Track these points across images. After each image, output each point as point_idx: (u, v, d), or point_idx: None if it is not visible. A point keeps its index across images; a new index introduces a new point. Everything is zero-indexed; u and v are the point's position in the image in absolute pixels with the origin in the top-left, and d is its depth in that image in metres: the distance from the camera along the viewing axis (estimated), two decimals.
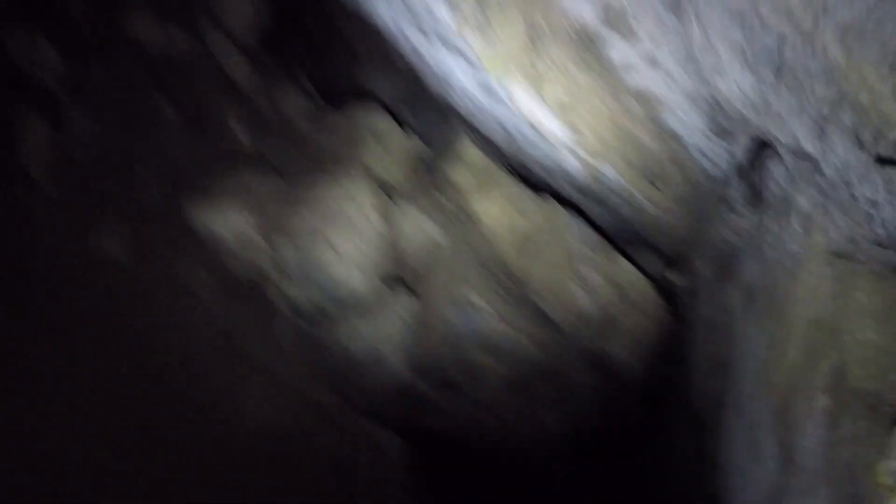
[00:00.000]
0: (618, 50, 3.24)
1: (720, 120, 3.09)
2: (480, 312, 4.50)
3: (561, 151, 4.22)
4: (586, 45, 3.37)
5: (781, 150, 2.25)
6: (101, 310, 3.61)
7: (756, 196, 2.52)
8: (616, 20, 3.08)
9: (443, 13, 3.81)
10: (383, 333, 4.37)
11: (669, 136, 3.60)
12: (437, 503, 4.07)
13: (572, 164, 4.30)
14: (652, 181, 3.99)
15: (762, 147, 2.46)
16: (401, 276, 4.57)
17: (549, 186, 4.74)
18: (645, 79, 3.30)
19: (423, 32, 4.26)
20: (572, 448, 4.41)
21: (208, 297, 3.92)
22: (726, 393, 2.91)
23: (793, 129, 2.06)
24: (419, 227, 4.72)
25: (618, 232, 4.47)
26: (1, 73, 3.92)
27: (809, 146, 2.02)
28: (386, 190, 4.71)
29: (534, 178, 4.79)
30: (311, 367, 4.14)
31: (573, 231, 4.61)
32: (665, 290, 4.19)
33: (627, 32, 3.09)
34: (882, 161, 1.73)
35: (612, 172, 4.09)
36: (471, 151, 4.89)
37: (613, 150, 3.94)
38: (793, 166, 2.21)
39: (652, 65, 3.18)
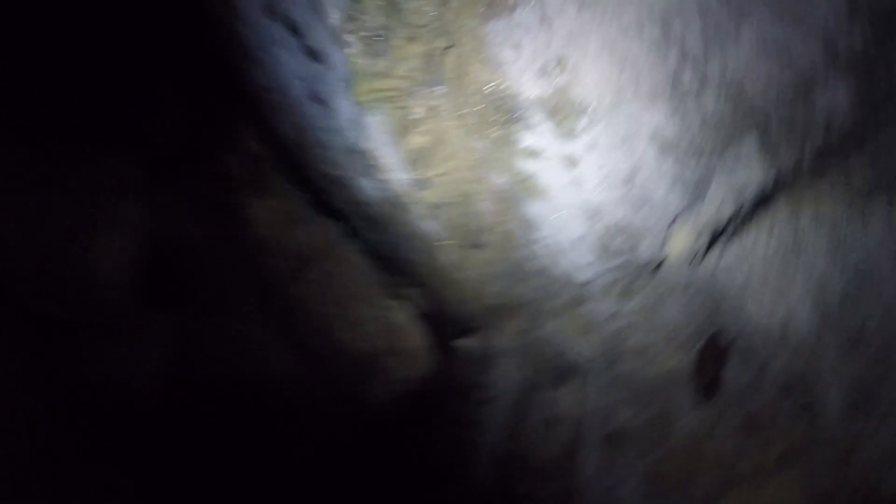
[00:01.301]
0: (536, 135, 2.85)
1: (616, 245, 2.98)
2: (243, 341, 3.77)
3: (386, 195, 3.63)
4: (496, 113, 2.89)
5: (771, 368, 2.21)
6: None
7: (700, 379, 2.45)
8: (563, 113, 2.67)
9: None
10: (138, 356, 3.33)
11: (522, 219, 3.36)
12: None
13: (389, 206, 3.74)
14: (472, 246, 3.71)
15: (718, 338, 2.39)
16: (164, 287, 3.50)
17: (337, 211, 4.07)
18: (544, 170, 2.98)
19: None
20: (322, 485, 4.02)
21: None
22: None
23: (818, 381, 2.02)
24: (187, 227, 3.67)
25: (409, 283, 4.08)
26: None
27: (830, 399, 2.00)
28: (154, 172, 3.51)
29: (323, 199, 4.05)
30: (52, 396, 2.97)
31: (358, 267, 4.08)
32: (447, 348, 4.00)
33: (566, 130, 2.72)
34: None
35: (433, 228, 3.68)
36: (252, 144, 3.92)
37: (447, 210, 3.54)
38: (780, 387, 2.19)
39: (567, 165, 2.88)
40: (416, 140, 3.23)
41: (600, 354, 3.12)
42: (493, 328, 3.86)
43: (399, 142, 3.25)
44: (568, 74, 2.54)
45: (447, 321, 4.15)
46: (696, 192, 2.39)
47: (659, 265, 2.73)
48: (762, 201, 2.18)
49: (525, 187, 3.15)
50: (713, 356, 2.39)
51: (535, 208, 3.24)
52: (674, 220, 2.53)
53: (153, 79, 3.63)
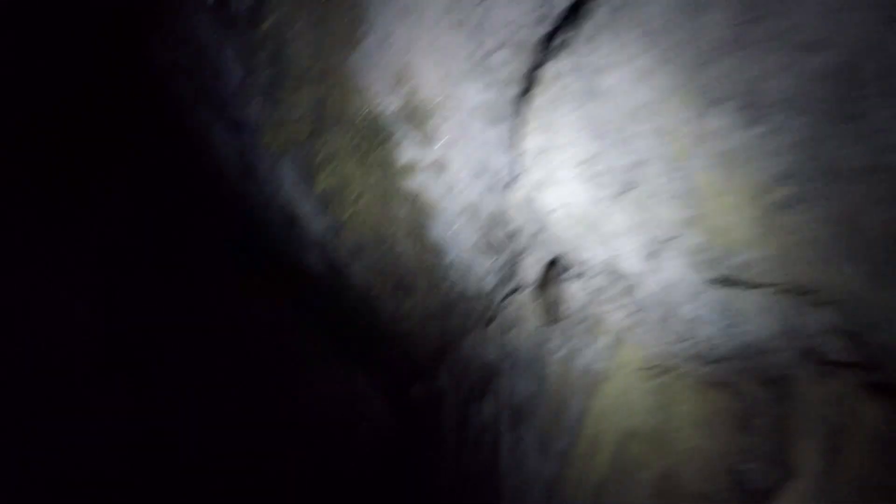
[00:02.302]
0: (407, 149, 3.25)
1: (497, 236, 3.23)
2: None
3: (311, 249, 4.01)
4: (374, 137, 3.32)
5: (588, 270, 2.37)
6: None
7: (550, 314, 2.60)
8: (418, 117, 3.09)
9: (235, 69, 3.48)
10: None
11: (431, 248, 3.64)
12: None
13: (319, 262, 4.10)
14: (402, 291, 3.97)
15: (559, 265, 2.57)
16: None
17: (282, 280, 4.43)
18: (425, 184, 3.33)
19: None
20: None
21: None
22: None
23: (617, 248, 2.18)
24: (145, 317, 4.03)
25: (355, 339, 4.30)
26: None
27: (633, 266, 2.15)
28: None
29: (264, 268, 4.44)
30: None
31: (305, 334, 4.34)
32: (402, 403, 4.10)
33: (425, 133, 3.12)
34: (717, 282, 1.91)
35: (361, 276, 3.98)
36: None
37: (368, 253, 3.86)
38: (601, 285, 2.34)
39: (439, 170, 3.24)
40: (325, 182, 3.65)
41: (502, 344, 3.25)
42: (436, 368, 4.00)
43: (311, 186, 3.68)
44: (412, 81, 2.98)
45: (398, 375, 4.30)
46: (512, 147, 2.71)
47: (515, 233, 2.98)
48: None
49: (419, 208, 3.49)
50: (553, 281, 2.57)
51: (436, 230, 3.54)
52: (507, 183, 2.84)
53: None
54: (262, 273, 4.27)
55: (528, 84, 2.42)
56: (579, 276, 2.42)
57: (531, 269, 2.74)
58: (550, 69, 2.11)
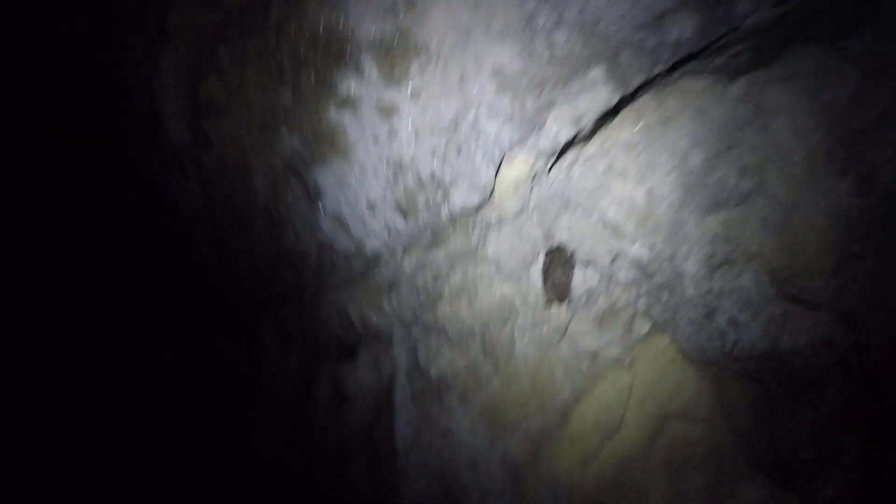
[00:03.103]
0: (357, 83, 2.84)
1: (423, 199, 3.08)
2: None
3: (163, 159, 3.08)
4: (316, 54, 2.79)
5: (617, 263, 2.58)
6: None
7: (552, 296, 2.68)
8: (398, 56, 2.74)
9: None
10: None
11: (304, 190, 3.24)
12: None
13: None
14: (236, 228, 3.40)
15: (565, 252, 2.70)
16: None
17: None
18: (354, 123, 2.95)
19: None
20: None
21: None
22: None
23: (675, 251, 2.48)
24: None
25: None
26: None
27: (688, 269, 2.48)
28: None
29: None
30: None
31: None
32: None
33: (393, 74, 2.80)
34: (782, 299, 2.40)
35: (204, 204, 3.24)
36: None
37: (222, 180, 3.17)
38: (633, 279, 2.57)
39: (384, 115, 2.92)
40: (209, 90, 2.90)
41: (408, 310, 3.12)
42: (260, 324, 3.54)
43: (188, 91, 2.87)
44: (416, 13, 2.66)
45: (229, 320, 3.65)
46: (533, 124, 2.70)
47: (481, 205, 2.94)
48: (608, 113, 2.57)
49: (325, 146, 3.08)
50: (560, 267, 2.68)
51: (324, 173, 3.16)
52: (504, 155, 2.80)
53: None
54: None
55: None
56: (591, 263, 2.61)
57: (503, 245, 2.79)
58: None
